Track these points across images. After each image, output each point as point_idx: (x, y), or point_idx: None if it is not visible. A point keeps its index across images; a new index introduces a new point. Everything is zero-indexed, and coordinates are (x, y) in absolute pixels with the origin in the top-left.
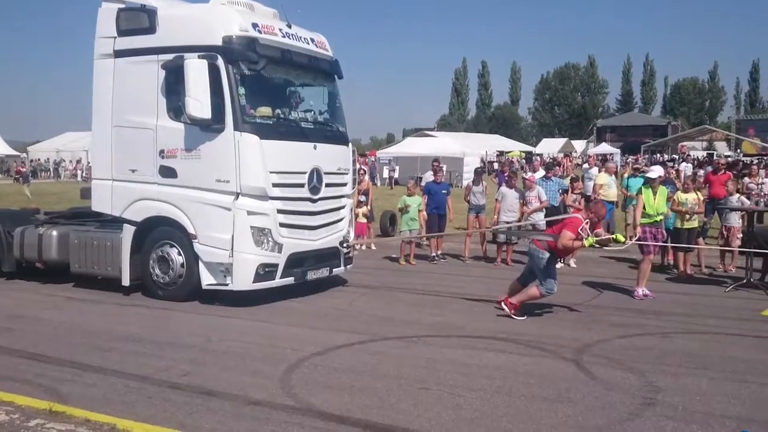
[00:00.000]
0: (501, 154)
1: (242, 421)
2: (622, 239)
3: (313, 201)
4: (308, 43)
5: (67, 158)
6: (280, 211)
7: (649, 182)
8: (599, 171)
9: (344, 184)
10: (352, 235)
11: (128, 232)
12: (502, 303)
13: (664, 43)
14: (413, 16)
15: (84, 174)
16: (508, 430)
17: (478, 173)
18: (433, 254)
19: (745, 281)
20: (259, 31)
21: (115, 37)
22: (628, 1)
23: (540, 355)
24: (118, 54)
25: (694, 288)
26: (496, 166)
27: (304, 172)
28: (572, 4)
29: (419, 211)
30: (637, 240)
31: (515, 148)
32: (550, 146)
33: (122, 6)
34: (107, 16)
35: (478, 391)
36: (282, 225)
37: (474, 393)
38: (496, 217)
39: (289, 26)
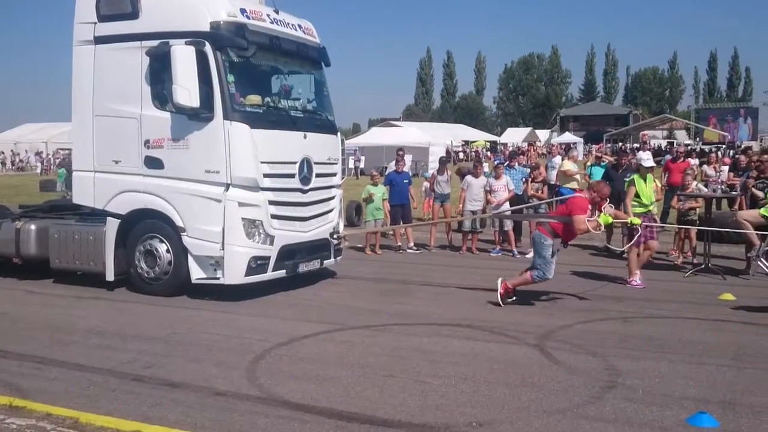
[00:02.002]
0: (466, 143)
1: (207, 412)
2: (638, 221)
3: (304, 192)
4: (296, 30)
5: (23, 150)
6: (271, 203)
7: (641, 171)
8: (563, 159)
9: (334, 174)
10: (341, 226)
11: (112, 225)
12: (498, 283)
13: (625, 33)
14: (377, 6)
15: (44, 166)
16: (472, 415)
17: (443, 162)
18: (400, 244)
19: (703, 266)
20: (248, 17)
21: (96, 23)
22: None
23: (504, 341)
24: (99, 40)
25: (654, 274)
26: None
27: (295, 162)
28: None
29: (383, 199)
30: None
31: (480, 137)
32: (514, 136)
33: None
34: (86, 1)
35: (444, 378)
36: (273, 216)
37: (439, 380)
38: (461, 205)
39: (277, 12)
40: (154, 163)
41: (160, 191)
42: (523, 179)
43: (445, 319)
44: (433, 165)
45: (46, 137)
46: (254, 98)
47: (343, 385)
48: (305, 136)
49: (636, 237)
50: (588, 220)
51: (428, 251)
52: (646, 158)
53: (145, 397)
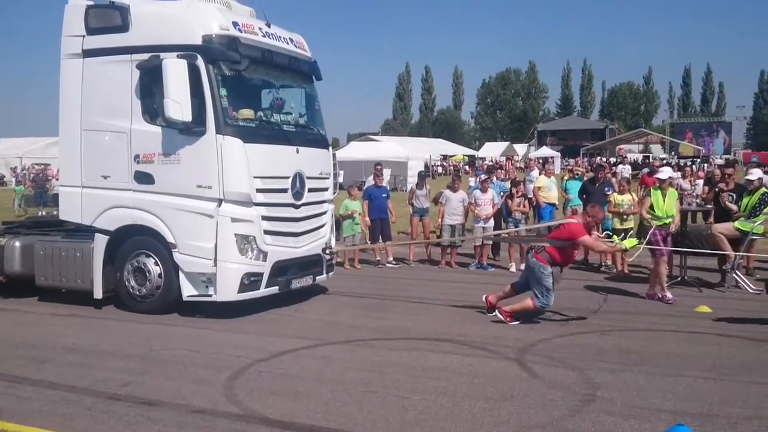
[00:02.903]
0: (445, 158)
1: (185, 430)
2: (635, 243)
3: (296, 207)
4: (288, 43)
5: None
6: (264, 218)
7: (658, 183)
8: (540, 174)
9: (326, 189)
10: (333, 241)
11: (100, 241)
12: (497, 312)
13: (601, 48)
14: (356, 21)
15: (18, 180)
16: (452, 430)
17: (422, 177)
18: (379, 258)
19: (679, 279)
20: (240, 30)
21: (84, 36)
22: (568, 8)
23: (483, 355)
24: (88, 53)
25: (631, 286)
26: (439, 169)
27: (287, 177)
28: (513, 10)
29: (360, 214)
30: (646, 242)
31: (459, 152)
32: (492, 150)
33: (91, 3)
34: (75, 14)
35: (423, 393)
36: (266, 232)
37: (419, 395)
38: (440, 220)
39: (269, 25)
40: (144, 178)
41: (151, 207)
42: (501, 193)
43: (424, 333)
44: (412, 179)
45: (21, 152)
46: (247, 112)
47: (323, 401)
48: (297, 151)
49: (658, 252)
50: (606, 242)
51: (407, 265)
52: (663, 170)
53: (121, 415)
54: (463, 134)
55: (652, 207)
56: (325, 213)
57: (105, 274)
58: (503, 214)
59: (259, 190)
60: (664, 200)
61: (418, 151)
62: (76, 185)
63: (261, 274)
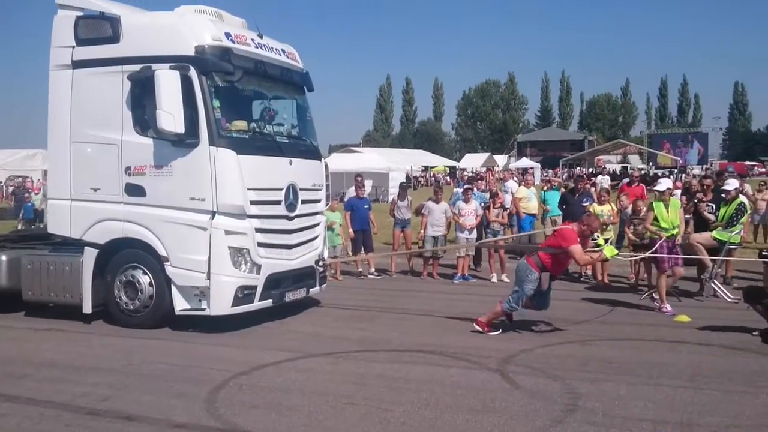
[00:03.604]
0: (426, 169)
1: None
2: (614, 253)
3: (290, 219)
4: (280, 54)
5: None
6: (257, 230)
7: (659, 195)
8: (519, 185)
9: (318, 201)
10: (326, 253)
11: (90, 255)
12: (475, 324)
13: (579, 60)
14: (338, 33)
15: None
16: None
17: (403, 188)
18: (361, 269)
19: None
20: (233, 41)
21: (74, 47)
22: (545, 20)
23: (466, 366)
24: (77, 65)
25: (611, 296)
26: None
27: (281, 189)
28: (492, 22)
29: (340, 225)
30: (652, 252)
31: (439, 163)
32: (473, 161)
33: (81, 14)
34: (64, 25)
35: (405, 405)
36: (260, 245)
37: (401, 407)
38: (422, 231)
39: (261, 36)
40: (135, 190)
41: (142, 219)
42: (482, 204)
43: (407, 345)
44: (394, 190)
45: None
46: (240, 124)
47: (305, 414)
48: (291, 162)
49: (663, 264)
50: (589, 251)
51: (389, 276)
52: (662, 182)
53: (100, 431)
54: (444, 145)
55: (656, 219)
56: (318, 225)
57: (94, 288)
58: (483, 225)
59: (252, 202)
60: (667, 211)
61: (399, 163)
62: (65, 198)
63: (255, 287)
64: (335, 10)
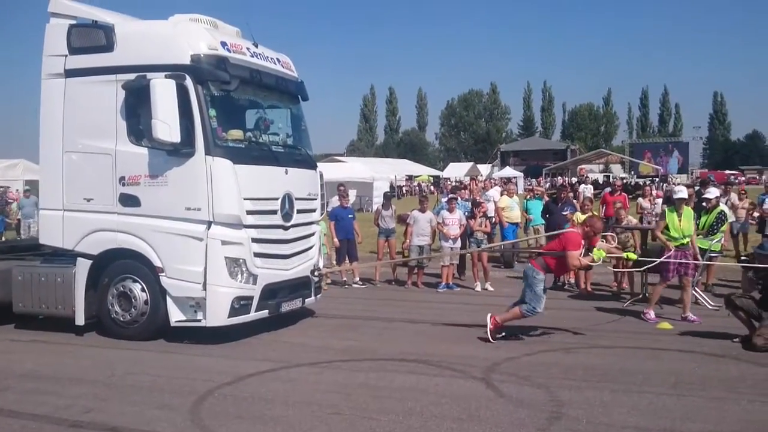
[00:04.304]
0: (410, 178)
1: None
2: (634, 257)
3: (285, 228)
4: (275, 63)
5: None
6: (254, 240)
7: (675, 203)
8: (501, 194)
9: (314, 210)
10: (321, 262)
11: (83, 266)
12: (488, 318)
13: (561, 70)
14: (322, 42)
15: None
16: None
17: (388, 197)
18: (345, 279)
19: (640, 296)
20: (229, 50)
21: (66, 56)
22: (527, 30)
23: (450, 375)
24: (70, 74)
25: (594, 304)
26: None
27: (277, 198)
28: (474, 32)
29: (324, 235)
30: (660, 263)
31: (424, 172)
32: (456, 170)
33: (74, 22)
34: (57, 33)
35: (390, 414)
36: (256, 255)
37: (386, 416)
38: (408, 240)
39: (256, 45)
40: (130, 200)
41: (137, 230)
42: (465, 213)
43: (392, 354)
44: (378, 200)
45: None
46: (236, 133)
47: (290, 424)
48: (286, 172)
49: (667, 273)
50: (581, 257)
51: (374, 286)
52: (679, 190)
53: None
54: (428, 155)
55: (667, 228)
56: (313, 234)
57: (87, 299)
58: (467, 234)
59: (249, 212)
60: (679, 220)
61: (383, 172)
62: (57, 208)
63: (251, 298)
64: (318, 20)
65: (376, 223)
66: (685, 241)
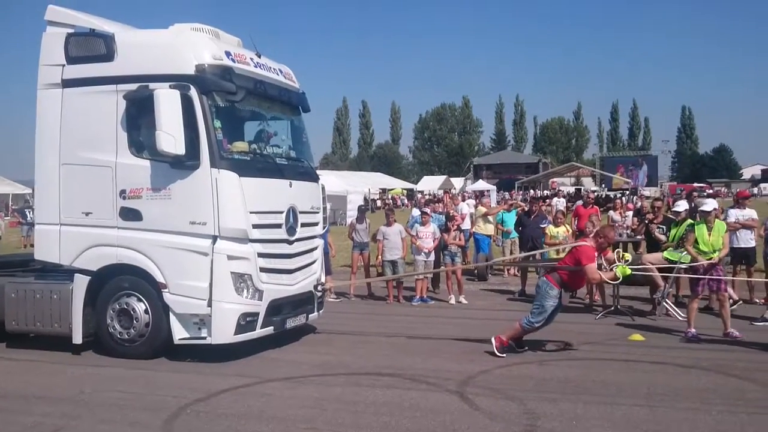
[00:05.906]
0: (384, 191)
1: None
2: (628, 272)
3: (290, 242)
4: (278, 74)
5: None
6: (259, 255)
7: (702, 216)
8: (476, 207)
9: (317, 224)
10: (324, 277)
11: (81, 282)
12: (492, 339)
13: (532, 84)
14: (294, 54)
15: None
16: None
17: (362, 211)
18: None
19: (613, 308)
20: (233, 60)
21: (64, 65)
22: (499, 44)
23: (425, 388)
24: (68, 84)
25: (567, 316)
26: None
27: (282, 212)
28: (447, 46)
29: None
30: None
31: (397, 185)
32: (430, 183)
33: (72, 31)
34: (54, 42)
35: (366, 428)
36: (262, 270)
37: (362, 430)
38: (380, 256)
39: (259, 56)
40: (131, 214)
41: (139, 245)
42: (439, 226)
43: (367, 368)
44: (352, 213)
45: None
46: (241, 145)
47: None
48: (291, 185)
49: (696, 288)
50: (602, 271)
51: (347, 299)
52: (705, 203)
53: None
54: (402, 168)
55: (696, 242)
56: (316, 249)
57: (85, 317)
58: (440, 247)
59: (255, 226)
60: (709, 234)
61: (357, 185)
62: (53, 223)
63: (257, 314)
64: (288, 31)
65: (350, 236)
66: (714, 255)
